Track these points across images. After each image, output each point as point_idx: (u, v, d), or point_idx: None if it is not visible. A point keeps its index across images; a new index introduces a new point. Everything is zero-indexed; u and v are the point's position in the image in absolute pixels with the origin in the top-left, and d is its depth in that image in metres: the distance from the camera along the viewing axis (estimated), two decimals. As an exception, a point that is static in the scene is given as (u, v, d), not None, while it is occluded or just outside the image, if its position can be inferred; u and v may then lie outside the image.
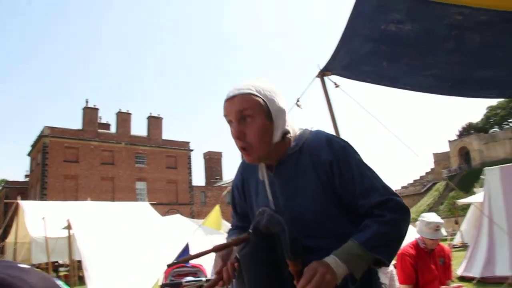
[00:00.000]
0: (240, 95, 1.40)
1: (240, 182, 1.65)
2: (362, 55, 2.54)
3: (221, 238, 7.15)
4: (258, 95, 1.40)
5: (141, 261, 6.82)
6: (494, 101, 67.45)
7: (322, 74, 3.01)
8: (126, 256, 6.99)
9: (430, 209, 42.35)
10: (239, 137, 1.41)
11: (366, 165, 1.45)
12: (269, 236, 1.33)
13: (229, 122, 1.45)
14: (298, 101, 3.17)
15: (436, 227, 4.21)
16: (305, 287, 1.19)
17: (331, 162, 1.41)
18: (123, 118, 44.49)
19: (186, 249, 3.90)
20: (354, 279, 1.35)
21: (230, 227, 1.79)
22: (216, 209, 3.66)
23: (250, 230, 1.39)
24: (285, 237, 1.26)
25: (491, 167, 10.93)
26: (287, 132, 1.47)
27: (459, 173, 55.32)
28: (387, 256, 1.33)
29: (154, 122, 46.74)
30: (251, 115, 1.39)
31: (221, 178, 70.46)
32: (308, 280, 1.20)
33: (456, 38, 2.21)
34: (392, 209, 1.36)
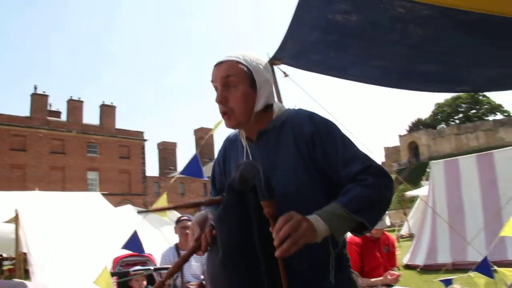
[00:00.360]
0: (227, 61, 1.44)
1: (222, 157, 1.66)
2: (310, 44, 2.54)
3: (169, 227, 7.13)
4: (244, 63, 1.44)
5: (89, 252, 6.65)
6: (441, 99, 70.34)
7: (271, 63, 2.98)
8: (74, 247, 6.79)
9: (380, 201, 43.65)
10: (222, 101, 1.44)
11: (348, 138, 1.44)
12: (243, 193, 1.28)
13: (215, 88, 1.47)
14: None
15: (380, 218, 4.36)
16: (279, 230, 1.13)
17: (312, 134, 1.40)
18: (75, 105, 42.97)
19: (134, 236, 3.83)
20: (335, 244, 1.36)
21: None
22: (163, 197, 3.62)
23: (224, 193, 1.35)
24: (259, 177, 1.21)
25: (437, 161, 11.40)
26: (270, 104, 1.49)
27: (408, 167, 57.40)
28: (369, 219, 1.27)
29: (107, 111, 45.43)
30: (235, 82, 1.43)
31: (175, 169, 69.71)
32: (283, 223, 1.14)
33: (400, 31, 2.26)
34: (375, 175, 1.33)
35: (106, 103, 45.39)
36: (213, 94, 1.48)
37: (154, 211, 1.41)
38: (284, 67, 3.03)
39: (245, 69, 1.44)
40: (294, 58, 2.90)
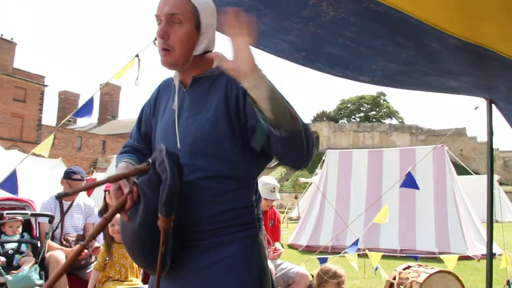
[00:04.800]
0: None
1: (154, 98, 1.64)
2: (225, 4, 2.49)
3: (51, 165, 6.81)
4: (194, 3, 1.41)
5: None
6: (346, 95, 74.30)
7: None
8: None
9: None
10: (163, 36, 1.40)
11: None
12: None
13: (159, 22, 1.42)
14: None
15: (272, 189, 4.56)
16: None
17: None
18: (-34, 34, 38.46)
19: (13, 174, 3.58)
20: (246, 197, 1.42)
21: (122, 147, 1.68)
22: (51, 137, 3.44)
23: (150, 161, 1.30)
24: (164, 186, 1.19)
25: (333, 150, 12.18)
26: (210, 50, 1.47)
27: (307, 154, 60.13)
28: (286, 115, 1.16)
29: (5, 46, 41.17)
30: (180, 20, 1.40)
31: (75, 121, 66.11)
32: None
33: (313, 7, 2.30)
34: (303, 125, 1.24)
35: (5, 37, 41.19)
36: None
37: (88, 189, 1.33)
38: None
39: (193, 8, 1.41)
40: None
